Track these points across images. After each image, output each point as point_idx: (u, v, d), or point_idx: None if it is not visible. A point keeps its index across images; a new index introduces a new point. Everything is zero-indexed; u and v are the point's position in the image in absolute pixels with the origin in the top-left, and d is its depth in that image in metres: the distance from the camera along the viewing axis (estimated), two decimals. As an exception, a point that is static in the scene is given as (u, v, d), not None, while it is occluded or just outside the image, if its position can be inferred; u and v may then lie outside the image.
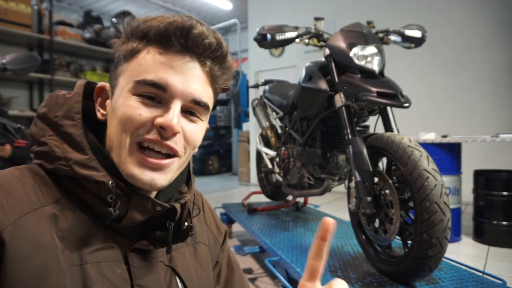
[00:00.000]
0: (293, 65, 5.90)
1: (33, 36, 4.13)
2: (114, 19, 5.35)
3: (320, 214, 2.93)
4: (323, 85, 1.89)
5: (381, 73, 1.74)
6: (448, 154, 2.73)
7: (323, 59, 1.93)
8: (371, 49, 1.71)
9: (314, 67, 2.02)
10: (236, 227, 3.17)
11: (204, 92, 0.55)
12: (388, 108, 1.79)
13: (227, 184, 6.78)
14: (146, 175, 0.52)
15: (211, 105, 0.59)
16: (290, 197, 3.17)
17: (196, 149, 0.60)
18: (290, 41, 1.90)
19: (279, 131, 2.68)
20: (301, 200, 3.16)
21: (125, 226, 0.53)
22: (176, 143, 0.53)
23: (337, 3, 5.35)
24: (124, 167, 0.52)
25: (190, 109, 0.55)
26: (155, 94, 0.52)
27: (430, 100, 4.52)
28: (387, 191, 1.51)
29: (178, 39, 0.52)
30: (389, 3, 4.87)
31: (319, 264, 0.48)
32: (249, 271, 2.33)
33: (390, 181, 1.50)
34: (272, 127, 2.75)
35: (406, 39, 1.89)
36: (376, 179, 1.58)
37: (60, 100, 0.55)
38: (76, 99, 0.55)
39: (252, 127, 6.43)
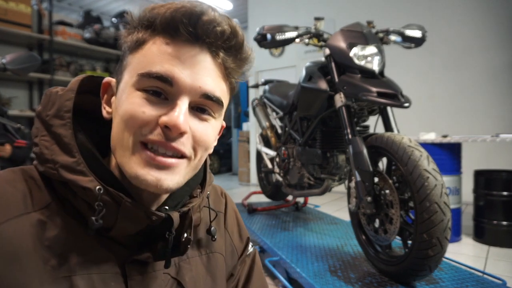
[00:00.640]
0: (293, 65, 5.90)
1: (33, 36, 4.13)
2: (114, 19, 5.35)
3: (320, 214, 2.93)
4: (323, 85, 1.89)
5: (381, 73, 1.74)
6: (448, 154, 2.73)
7: (323, 59, 1.93)
8: (371, 49, 1.71)
9: (314, 67, 2.02)
10: (236, 227, 3.16)
11: (216, 86, 0.49)
12: (388, 108, 1.79)
13: (227, 184, 6.78)
14: (151, 175, 0.46)
15: (225, 101, 0.52)
16: (290, 197, 3.17)
17: (211, 150, 0.54)
18: (290, 41, 1.90)
19: (279, 131, 2.68)
20: (301, 200, 3.16)
21: (120, 235, 0.48)
22: (183, 144, 0.47)
23: (337, 3, 5.34)
24: (127, 167, 0.47)
25: (201, 106, 0.49)
26: (161, 88, 0.47)
27: (430, 100, 4.52)
28: (387, 191, 1.50)
29: (186, 27, 0.46)
30: (389, 3, 4.87)
31: None
32: (249, 271, 2.32)
33: (390, 181, 1.50)
34: (272, 127, 2.75)
35: (406, 39, 1.89)
36: (376, 179, 1.58)
37: (52, 98, 0.50)
38: (68, 96, 0.50)
39: (252, 127, 6.43)
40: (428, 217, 1.31)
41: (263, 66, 6.37)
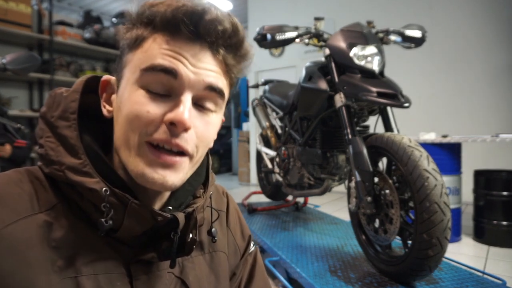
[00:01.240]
0: (293, 65, 5.90)
1: (33, 36, 4.13)
2: (114, 19, 5.35)
3: (320, 214, 2.93)
4: (323, 85, 1.89)
5: (381, 73, 1.74)
6: (448, 154, 2.73)
7: (323, 59, 1.93)
8: (371, 49, 1.71)
9: (314, 67, 2.02)
10: (236, 227, 3.16)
11: (218, 79, 0.50)
12: (388, 108, 1.79)
13: (227, 184, 6.78)
14: (157, 173, 0.46)
15: (226, 95, 0.52)
16: (290, 197, 3.17)
17: (211, 145, 0.55)
18: (290, 41, 1.90)
19: (279, 131, 2.68)
20: (301, 200, 3.16)
21: (125, 237, 0.49)
22: (186, 141, 0.47)
23: (337, 3, 5.34)
24: (133, 166, 0.47)
25: (203, 101, 0.49)
26: (165, 83, 0.47)
27: (430, 100, 4.52)
28: (387, 191, 1.50)
29: (188, 26, 0.46)
30: (389, 3, 4.87)
31: None
32: (249, 271, 2.32)
33: (390, 181, 1.50)
34: (272, 127, 2.75)
35: (406, 39, 1.89)
36: (376, 179, 1.58)
37: (57, 99, 0.51)
38: (73, 97, 0.50)
39: (252, 127, 6.43)
40: (428, 217, 1.31)
41: (263, 66, 6.37)
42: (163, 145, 0.47)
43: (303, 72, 2.09)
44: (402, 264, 1.44)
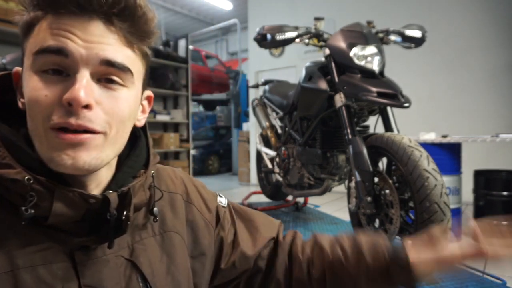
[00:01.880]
0: (293, 65, 5.90)
1: (33, 36, 4.14)
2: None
3: (320, 214, 2.93)
4: (323, 85, 1.89)
5: (381, 73, 1.74)
6: (448, 154, 2.72)
7: (323, 59, 1.93)
8: (371, 49, 1.71)
9: (314, 67, 2.02)
10: (236, 227, 3.17)
11: (117, 52, 0.46)
12: (388, 108, 1.79)
13: (227, 184, 6.78)
14: (66, 155, 0.44)
15: (134, 68, 0.49)
16: (290, 197, 3.17)
17: (139, 122, 0.54)
18: (290, 41, 1.90)
19: (279, 131, 2.68)
20: (301, 200, 3.16)
21: (65, 223, 0.47)
22: (90, 120, 0.45)
23: (337, 3, 5.35)
24: (43, 152, 0.45)
25: (107, 76, 0.47)
26: (58, 63, 0.45)
27: (430, 100, 4.52)
28: (387, 191, 1.51)
29: (68, 0, 0.43)
30: (389, 3, 4.87)
31: None
32: (249, 271, 2.33)
33: (390, 181, 1.50)
34: (272, 127, 2.75)
35: (406, 39, 1.89)
36: (376, 179, 1.58)
37: None
38: None
39: (252, 127, 6.43)
40: (428, 217, 1.31)
41: (263, 66, 6.37)
42: (66, 127, 0.45)
43: (303, 72, 2.09)
44: (402, 264, 1.44)
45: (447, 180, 2.71)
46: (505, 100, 4.06)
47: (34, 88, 0.44)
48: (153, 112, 4.38)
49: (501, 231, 0.64)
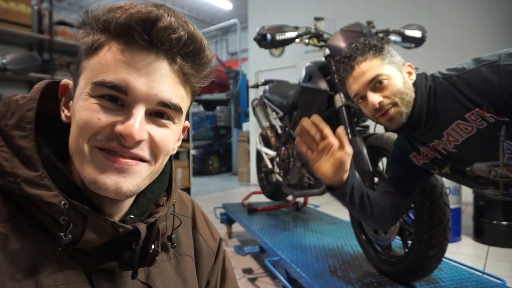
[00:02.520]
0: (293, 65, 5.90)
1: (33, 36, 4.13)
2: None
3: (320, 214, 2.93)
4: (323, 85, 1.89)
5: (381, 73, 1.74)
6: (448, 154, 2.73)
7: (323, 59, 1.93)
8: (371, 49, 1.71)
9: (314, 67, 2.02)
10: (236, 227, 3.17)
11: (173, 93, 0.48)
12: (388, 108, 1.79)
13: (227, 184, 6.78)
14: (110, 179, 0.45)
15: (184, 106, 0.51)
16: (290, 197, 3.17)
17: (174, 151, 0.54)
18: (290, 41, 1.90)
19: (279, 131, 2.68)
20: (301, 200, 3.16)
21: (84, 248, 0.48)
22: (141, 149, 0.46)
23: (337, 3, 5.35)
24: (86, 173, 0.45)
25: (159, 111, 0.48)
26: (116, 96, 0.45)
27: (430, 100, 4.52)
28: (387, 191, 1.50)
29: (141, 34, 0.44)
30: (389, 3, 4.88)
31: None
32: (249, 271, 2.33)
33: (390, 181, 1.50)
34: (272, 127, 2.75)
35: (406, 39, 1.89)
36: (376, 179, 1.58)
37: (12, 107, 0.47)
38: (30, 106, 0.47)
39: (252, 127, 6.43)
40: (428, 217, 1.31)
41: (263, 66, 6.37)
42: (115, 152, 0.45)
43: (303, 72, 2.09)
44: (402, 264, 1.44)
45: (447, 180, 2.71)
46: (505, 100, 4.06)
47: (89, 109, 0.45)
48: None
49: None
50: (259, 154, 3.04)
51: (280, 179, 2.53)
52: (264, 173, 3.02)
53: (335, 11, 5.22)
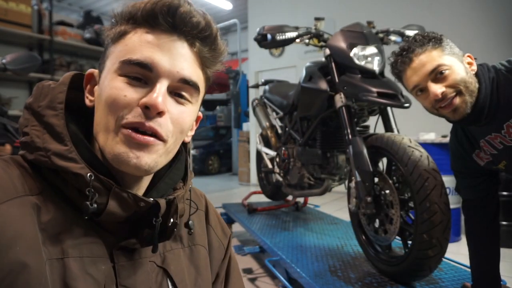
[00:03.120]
0: (293, 65, 5.90)
1: (33, 36, 4.14)
2: (114, 20, 5.35)
3: (320, 214, 2.93)
4: (323, 85, 1.89)
5: (382, 73, 1.74)
6: (448, 154, 2.72)
7: (323, 59, 1.93)
8: (372, 49, 1.71)
9: (314, 67, 2.02)
10: (236, 227, 3.17)
11: (193, 72, 0.53)
12: (388, 108, 1.80)
13: (227, 184, 6.78)
14: (132, 153, 0.49)
15: (202, 88, 0.56)
16: (290, 197, 3.17)
17: (188, 138, 0.59)
18: (290, 41, 1.90)
19: (279, 131, 2.68)
20: (301, 200, 3.16)
21: (109, 222, 0.51)
22: (160, 125, 0.50)
23: (337, 3, 5.35)
24: (109, 148, 0.50)
25: (179, 90, 0.53)
26: (141, 74, 0.50)
27: (430, 100, 4.52)
28: (387, 191, 1.51)
29: (165, 17, 0.50)
30: (389, 3, 4.88)
31: None
32: (249, 271, 2.33)
33: (390, 181, 1.50)
34: (272, 127, 2.75)
35: (406, 39, 1.89)
36: (376, 179, 1.58)
37: (45, 90, 0.53)
38: (61, 89, 0.53)
39: (252, 127, 6.44)
40: (428, 218, 1.31)
41: (263, 66, 6.37)
42: (137, 128, 0.50)
43: (303, 72, 2.09)
44: (402, 264, 1.44)
45: (447, 180, 2.70)
46: (505, 100, 4.06)
47: (116, 87, 0.50)
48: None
49: None
50: (259, 154, 3.04)
51: (280, 179, 2.53)
52: (264, 173, 3.02)
53: (335, 11, 5.22)
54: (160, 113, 0.50)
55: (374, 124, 1.88)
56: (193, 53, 0.54)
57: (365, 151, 1.58)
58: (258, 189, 3.33)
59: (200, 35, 0.53)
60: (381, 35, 1.89)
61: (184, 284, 0.58)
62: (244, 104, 7.47)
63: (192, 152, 5.28)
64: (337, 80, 1.77)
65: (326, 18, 2.26)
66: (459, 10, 4.38)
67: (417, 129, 3.63)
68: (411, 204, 1.45)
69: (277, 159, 2.58)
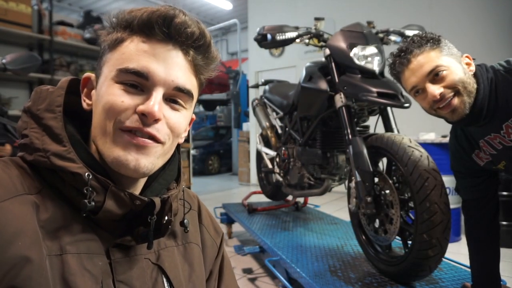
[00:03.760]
0: (293, 65, 5.90)
1: (33, 36, 4.13)
2: (114, 19, 5.35)
3: (320, 214, 2.93)
4: (323, 85, 1.89)
5: (382, 73, 1.74)
6: (448, 154, 2.73)
7: (323, 59, 1.93)
8: (372, 49, 1.71)
9: (314, 67, 2.02)
10: (236, 227, 3.17)
11: (187, 80, 0.55)
12: (388, 108, 1.80)
13: (227, 184, 6.78)
14: (131, 155, 0.51)
15: (195, 94, 0.58)
16: (290, 197, 3.17)
17: (181, 139, 0.61)
18: (290, 41, 1.90)
19: (279, 131, 2.68)
20: (301, 200, 3.16)
21: (106, 220, 0.53)
22: (157, 130, 0.53)
23: (337, 3, 5.35)
24: (109, 152, 0.52)
25: (173, 97, 0.55)
26: (138, 82, 0.52)
27: (430, 100, 4.52)
28: (387, 191, 1.51)
29: (161, 27, 0.52)
30: (389, 3, 4.88)
31: None
32: (249, 271, 2.33)
33: (390, 182, 1.50)
34: (272, 127, 2.75)
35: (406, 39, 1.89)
36: (376, 179, 1.58)
37: (43, 94, 0.55)
38: (59, 93, 0.55)
39: (252, 127, 6.44)
40: (428, 218, 1.31)
41: (263, 66, 6.37)
42: (135, 132, 0.52)
43: (303, 72, 2.09)
44: (402, 264, 1.44)
45: (447, 180, 2.70)
46: (505, 100, 4.06)
47: (113, 94, 0.52)
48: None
49: None
50: (259, 154, 3.04)
51: (280, 179, 2.53)
52: (264, 173, 3.02)
53: (335, 11, 5.22)
54: (156, 120, 0.52)
55: (374, 124, 1.88)
56: (187, 62, 0.56)
57: (365, 151, 1.58)
58: (258, 189, 3.33)
59: (194, 44, 0.55)
60: (381, 35, 1.89)
61: (178, 280, 0.59)
62: (244, 104, 7.47)
63: (192, 152, 5.28)
64: (337, 80, 1.77)
65: (326, 18, 2.26)
66: (459, 10, 4.38)
67: (417, 129, 3.63)
68: (411, 204, 1.45)
69: (277, 159, 2.58)
